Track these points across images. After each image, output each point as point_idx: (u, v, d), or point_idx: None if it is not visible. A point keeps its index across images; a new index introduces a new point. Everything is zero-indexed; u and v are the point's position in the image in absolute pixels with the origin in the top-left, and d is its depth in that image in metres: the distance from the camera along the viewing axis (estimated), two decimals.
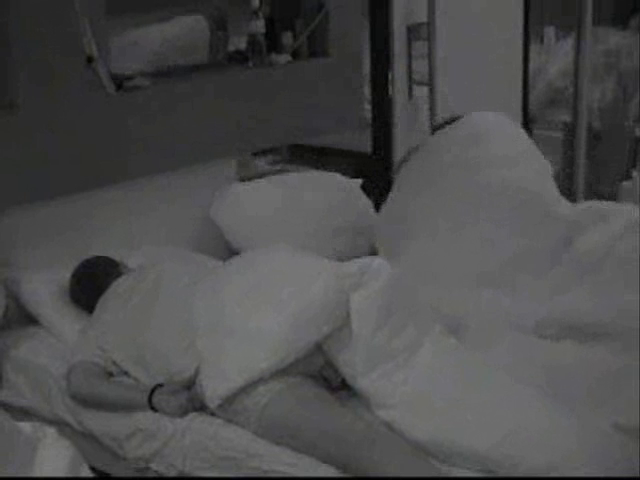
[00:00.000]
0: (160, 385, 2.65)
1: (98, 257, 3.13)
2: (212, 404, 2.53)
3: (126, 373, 2.78)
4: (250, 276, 2.75)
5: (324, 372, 2.58)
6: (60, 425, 2.69)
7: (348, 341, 2.51)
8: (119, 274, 3.06)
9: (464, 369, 2.50)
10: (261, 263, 2.82)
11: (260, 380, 2.49)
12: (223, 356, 2.56)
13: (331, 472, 2.35)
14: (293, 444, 2.42)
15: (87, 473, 1.59)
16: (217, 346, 2.60)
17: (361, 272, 2.57)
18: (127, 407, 2.68)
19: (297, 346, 2.51)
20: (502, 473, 2.23)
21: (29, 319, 3.15)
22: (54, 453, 1.56)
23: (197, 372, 2.60)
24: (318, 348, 2.55)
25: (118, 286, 2.97)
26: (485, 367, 2.52)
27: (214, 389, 2.53)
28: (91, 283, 3.05)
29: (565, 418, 2.30)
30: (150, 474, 2.66)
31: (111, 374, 2.78)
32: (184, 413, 2.60)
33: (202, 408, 2.59)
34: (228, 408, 2.52)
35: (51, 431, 1.60)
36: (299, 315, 2.53)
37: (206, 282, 2.81)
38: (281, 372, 2.50)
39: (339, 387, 2.57)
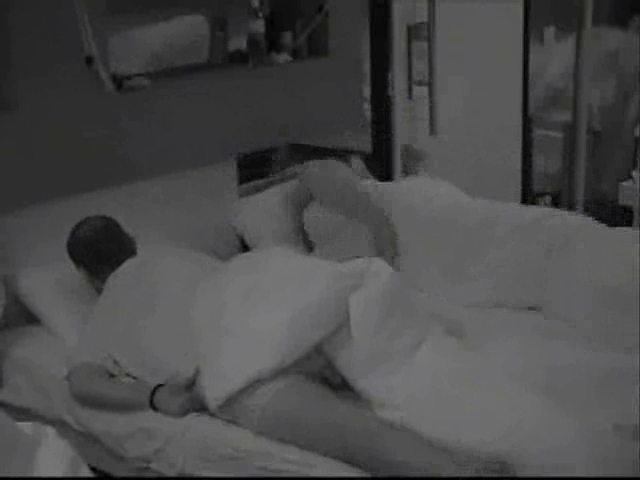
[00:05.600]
0: (161, 385, 2.65)
1: (118, 227, 3.11)
2: (213, 406, 2.53)
3: (127, 374, 2.78)
4: (249, 277, 2.75)
5: (324, 372, 2.57)
6: (60, 425, 2.69)
7: (347, 342, 2.50)
8: (124, 245, 3.05)
9: (464, 369, 2.50)
10: (261, 264, 2.82)
11: (260, 381, 2.49)
12: (223, 357, 2.56)
13: (331, 468, 2.34)
14: (298, 441, 2.41)
15: (87, 473, 1.59)
16: (217, 347, 2.59)
17: (360, 273, 2.56)
18: (128, 407, 2.68)
19: (297, 347, 2.51)
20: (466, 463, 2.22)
21: (29, 318, 3.15)
22: (54, 453, 1.55)
23: (197, 373, 2.60)
24: (318, 348, 2.55)
25: (118, 284, 2.96)
26: (485, 367, 2.52)
27: (214, 391, 2.53)
28: (101, 249, 3.04)
29: (565, 417, 2.30)
30: (150, 474, 2.65)
31: (112, 375, 2.78)
32: (185, 413, 2.60)
33: (202, 408, 2.59)
34: (228, 409, 2.52)
35: (51, 431, 1.60)
36: (298, 316, 2.53)
37: (206, 283, 2.81)
38: (281, 371, 2.50)
39: (339, 387, 2.56)
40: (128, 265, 3.02)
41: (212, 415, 2.57)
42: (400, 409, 2.39)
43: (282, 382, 2.48)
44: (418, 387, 2.42)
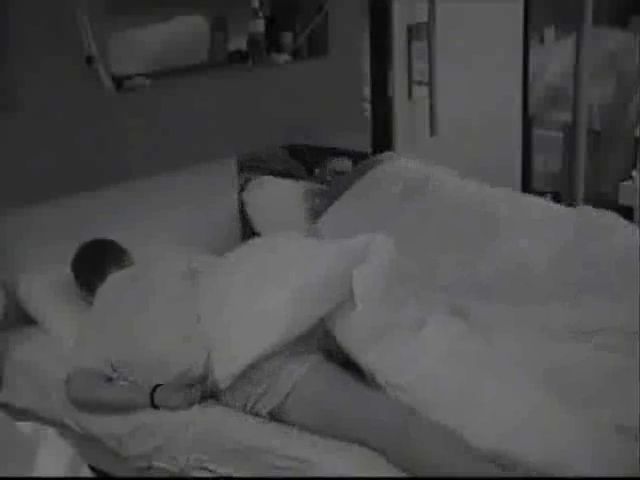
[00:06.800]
0: (159, 385, 2.65)
1: (110, 241, 3.14)
2: (223, 385, 2.54)
3: (125, 379, 2.77)
4: (254, 262, 2.77)
5: (327, 347, 2.57)
6: (60, 426, 2.69)
7: (350, 316, 2.51)
8: (123, 265, 3.06)
9: (472, 354, 2.49)
10: (264, 249, 2.84)
11: (273, 360, 2.49)
12: (229, 338, 2.58)
13: (333, 465, 2.34)
14: (323, 428, 2.42)
15: (87, 473, 1.59)
16: (223, 331, 2.62)
17: (363, 248, 2.58)
18: (128, 408, 2.68)
19: (300, 322, 2.53)
20: (504, 468, 2.22)
21: (29, 320, 3.15)
22: (54, 453, 1.55)
23: (206, 366, 2.60)
24: (321, 324, 2.55)
25: (113, 287, 2.96)
26: (492, 353, 2.51)
27: (223, 369, 2.55)
28: (95, 264, 3.06)
29: (567, 416, 2.30)
30: (152, 473, 2.65)
31: (110, 378, 2.77)
32: (190, 405, 2.60)
33: (210, 393, 2.60)
34: (240, 393, 2.53)
35: (51, 431, 1.60)
36: (302, 291, 2.55)
37: (208, 272, 2.83)
38: (297, 351, 2.50)
39: (343, 363, 2.56)
40: (123, 270, 3.03)
41: (216, 407, 2.58)
42: (408, 391, 2.39)
43: (306, 364, 2.50)
44: (423, 367, 2.42)
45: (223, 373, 2.55)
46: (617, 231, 3.22)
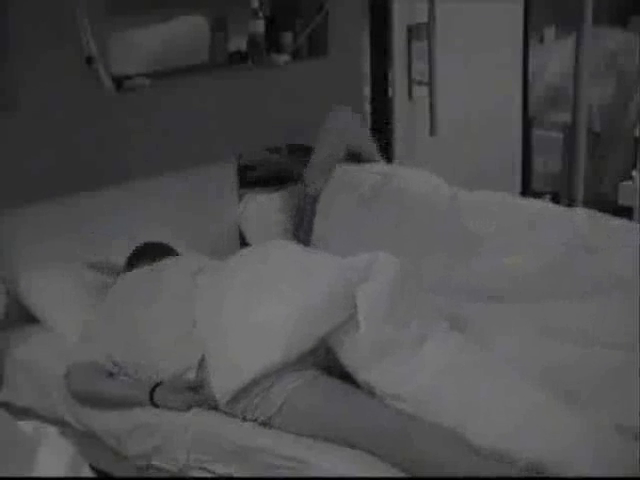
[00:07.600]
0: (159, 384, 2.65)
1: (163, 244, 3.19)
2: (223, 400, 2.53)
3: (127, 374, 2.77)
4: (251, 270, 2.76)
5: (326, 363, 2.57)
6: (61, 425, 2.69)
7: (353, 334, 2.50)
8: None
9: (471, 365, 2.48)
10: (261, 256, 2.83)
11: (271, 375, 2.49)
12: (228, 351, 2.57)
13: (329, 464, 2.35)
14: (322, 436, 2.42)
15: (88, 473, 1.59)
16: (221, 342, 2.60)
17: (368, 265, 2.57)
18: (128, 404, 2.68)
19: (304, 340, 2.51)
20: (503, 468, 2.23)
21: (30, 318, 3.15)
22: (54, 453, 1.55)
23: (200, 370, 2.60)
24: (322, 341, 2.54)
25: (126, 282, 2.97)
26: (491, 364, 2.51)
27: (223, 385, 2.53)
28: (140, 260, 3.10)
29: (567, 416, 2.30)
30: (152, 472, 2.65)
31: (111, 373, 2.78)
32: (188, 408, 2.60)
33: (207, 403, 2.59)
34: (238, 404, 2.52)
35: (51, 431, 1.60)
36: (306, 308, 2.54)
37: (207, 279, 2.82)
38: (294, 368, 2.50)
39: (339, 376, 2.56)
40: (136, 271, 3.03)
41: (215, 408, 2.57)
42: (408, 403, 2.39)
43: (299, 379, 2.49)
44: (424, 381, 2.42)
45: (222, 388, 2.53)
46: (614, 243, 3.18)
